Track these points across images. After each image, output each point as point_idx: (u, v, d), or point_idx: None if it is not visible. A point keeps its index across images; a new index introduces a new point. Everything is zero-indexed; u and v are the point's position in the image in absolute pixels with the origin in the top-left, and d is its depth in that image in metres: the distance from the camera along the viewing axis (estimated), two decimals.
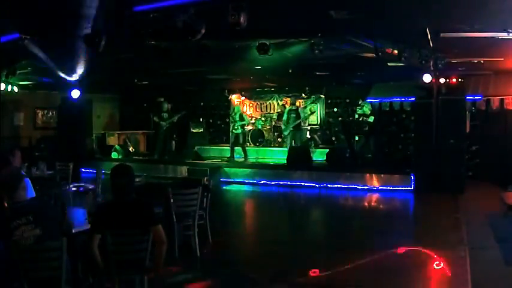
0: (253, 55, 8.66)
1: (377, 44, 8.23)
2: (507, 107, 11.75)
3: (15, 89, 12.93)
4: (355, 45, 8.47)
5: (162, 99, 15.26)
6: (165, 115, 13.93)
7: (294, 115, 13.43)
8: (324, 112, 15.92)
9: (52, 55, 9.27)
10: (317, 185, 11.48)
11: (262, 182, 12.10)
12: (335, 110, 15.82)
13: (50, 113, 15.82)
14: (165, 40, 8.15)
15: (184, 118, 14.91)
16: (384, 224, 7.98)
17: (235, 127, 13.54)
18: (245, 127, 14.12)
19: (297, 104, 14.55)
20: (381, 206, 10.05)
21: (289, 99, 15.17)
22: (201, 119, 16.74)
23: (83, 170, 12.77)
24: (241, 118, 13.66)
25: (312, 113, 15.61)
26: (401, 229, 7.82)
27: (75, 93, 13.06)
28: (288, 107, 14.24)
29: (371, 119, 12.57)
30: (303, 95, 15.84)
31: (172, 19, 6.03)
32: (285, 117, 13.70)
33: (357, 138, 12.92)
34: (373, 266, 5.55)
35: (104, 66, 10.80)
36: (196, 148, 14.92)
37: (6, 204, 3.52)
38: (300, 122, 13.59)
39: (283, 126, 13.80)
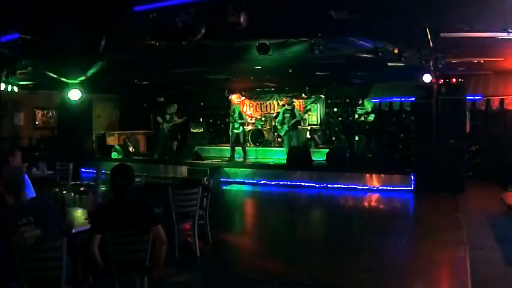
0: (253, 55, 8.64)
1: (377, 44, 8.23)
2: (507, 107, 11.77)
3: (15, 89, 12.92)
4: (355, 45, 8.47)
5: (162, 99, 15.22)
6: (168, 117, 13.93)
7: (289, 115, 13.35)
8: (324, 112, 15.92)
9: (52, 55, 9.26)
10: (317, 185, 11.48)
11: (262, 182, 12.10)
12: (335, 110, 15.82)
13: (50, 113, 15.81)
14: (165, 40, 8.14)
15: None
16: (384, 224, 7.98)
17: (236, 126, 13.52)
18: (244, 126, 14.11)
19: (294, 103, 14.43)
20: (381, 206, 10.05)
21: (285, 99, 15.14)
22: (201, 119, 16.74)
23: (83, 170, 12.78)
24: (241, 117, 13.63)
25: (307, 112, 15.57)
26: (402, 229, 7.83)
27: (75, 93, 13.07)
28: (283, 107, 14.14)
29: (371, 117, 12.58)
30: (303, 95, 15.84)
31: (172, 19, 6.03)
32: (280, 117, 13.63)
33: (357, 138, 12.92)
34: (373, 266, 5.56)
35: (103, 66, 10.79)
36: (196, 148, 14.92)
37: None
38: (296, 121, 13.53)
39: (279, 127, 13.75)
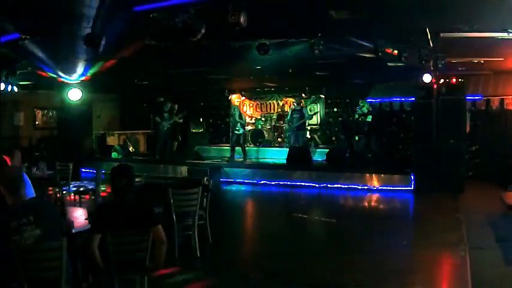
0: (253, 55, 8.66)
1: (377, 44, 8.24)
2: (507, 107, 11.77)
3: (15, 89, 12.93)
4: (355, 45, 8.47)
5: (162, 99, 15.19)
6: (166, 115, 13.91)
7: (298, 115, 13.42)
8: (324, 112, 15.93)
9: (52, 55, 9.27)
10: (317, 185, 11.47)
11: (262, 182, 12.10)
12: (335, 110, 15.83)
13: (50, 113, 15.81)
14: (165, 40, 8.15)
15: (184, 118, 14.91)
16: (384, 224, 7.98)
17: (237, 128, 13.52)
18: (245, 127, 14.11)
19: (301, 104, 14.52)
20: (381, 206, 10.05)
21: (291, 99, 15.17)
22: (201, 119, 16.75)
23: (83, 170, 12.78)
24: (241, 118, 13.64)
25: (315, 113, 15.61)
26: (401, 229, 7.82)
27: (75, 93, 13.07)
28: (292, 106, 14.26)
29: (369, 118, 12.59)
30: (303, 95, 15.84)
31: (172, 19, 6.03)
32: (288, 118, 13.73)
33: (357, 138, 12.92)
34: (373, 266, 5.56)
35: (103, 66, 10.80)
36: (196, 148, 14.92)
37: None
38: (304, 122, 13.58)
39: (286, 126, 13.85)
